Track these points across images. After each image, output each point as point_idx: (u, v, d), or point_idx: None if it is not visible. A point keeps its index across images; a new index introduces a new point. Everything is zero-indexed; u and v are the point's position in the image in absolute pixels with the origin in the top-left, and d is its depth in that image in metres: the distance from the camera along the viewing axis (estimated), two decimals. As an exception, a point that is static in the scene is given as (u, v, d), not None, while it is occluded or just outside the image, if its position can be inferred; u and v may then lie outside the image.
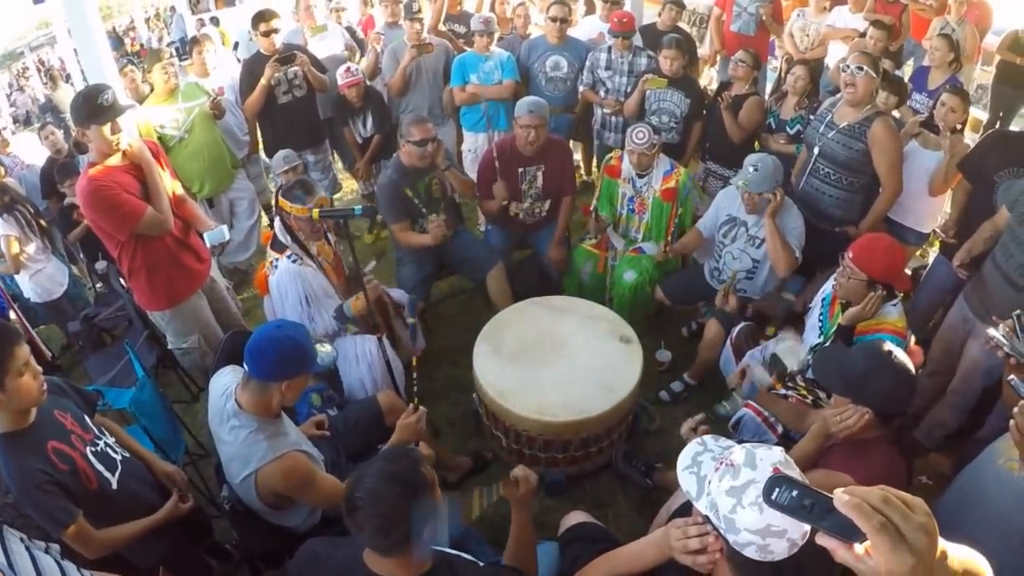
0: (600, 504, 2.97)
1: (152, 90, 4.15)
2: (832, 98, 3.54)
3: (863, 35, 4.74)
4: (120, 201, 2.74)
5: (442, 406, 3.53)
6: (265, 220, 4.87)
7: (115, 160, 2.78)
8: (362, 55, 5.32)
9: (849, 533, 0.87)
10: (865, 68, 3.13)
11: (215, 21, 6.41)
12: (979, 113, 6.07)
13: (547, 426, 2.74)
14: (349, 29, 5.54)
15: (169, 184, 2.99)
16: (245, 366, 2.05)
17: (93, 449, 2.04)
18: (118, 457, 2.13)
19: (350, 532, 1.55)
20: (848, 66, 3.19)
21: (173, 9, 7.58)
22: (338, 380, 3.10)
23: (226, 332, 3.08)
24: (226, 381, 2.19)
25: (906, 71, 5.82)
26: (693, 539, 1.39)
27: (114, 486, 2.04)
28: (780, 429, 2.61)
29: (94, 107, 2.61)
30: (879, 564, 0.83)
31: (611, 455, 3.10)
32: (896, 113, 3.97)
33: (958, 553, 0.90)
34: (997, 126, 5.71)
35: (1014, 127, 5.73)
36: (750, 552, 1.27)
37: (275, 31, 4.22)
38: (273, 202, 4.62)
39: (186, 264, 3.09)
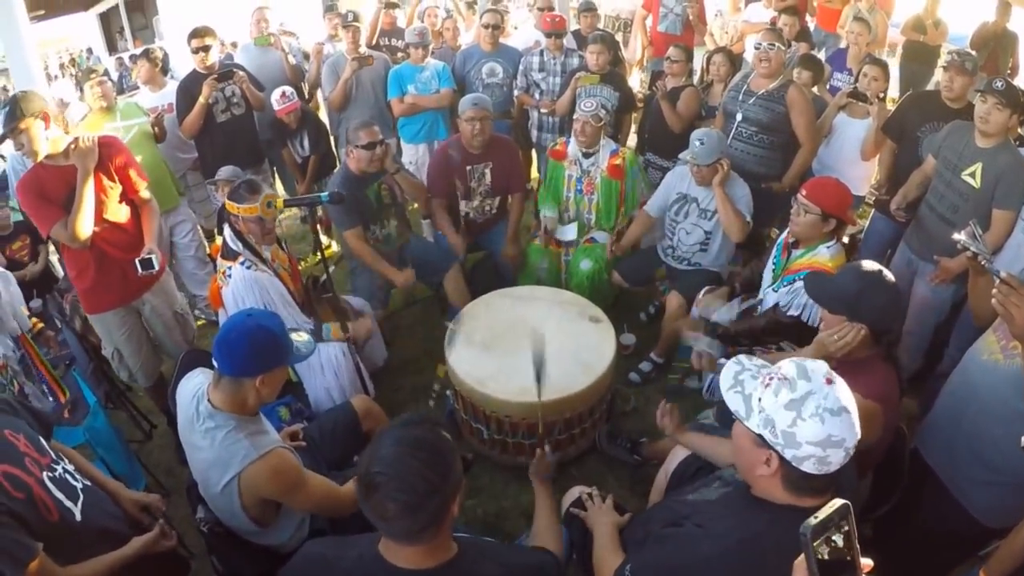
0: (590, 487, 2.90)
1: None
2: (741, 72, 3.93)
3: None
4: (33, 206, 2.72)
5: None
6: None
7: (53, 157, 2.69)
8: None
9: None
10: (776, 44, 3.58)
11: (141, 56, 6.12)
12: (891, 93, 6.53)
13: (531, 408, 2.67)
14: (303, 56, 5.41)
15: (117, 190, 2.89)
16: (215, 363, 1.91)
17: (51, 475, 1.79)
18: (79, 485, 1.87)
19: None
20: (760, 44, 3.59)
21: (90, 51, 7.23)
22: (303, 393, 2.96)
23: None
24: (196, 384, 2.03)
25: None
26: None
27: (78, 517, 1.79)
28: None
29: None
30: None
31: (594, 437, 3.07)
32: (815, 90, 4.26)
33: None
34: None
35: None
36: (808, 466, 1.27)
37: (207, 48, 4.10)
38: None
39: (124, 275, 2.95)
